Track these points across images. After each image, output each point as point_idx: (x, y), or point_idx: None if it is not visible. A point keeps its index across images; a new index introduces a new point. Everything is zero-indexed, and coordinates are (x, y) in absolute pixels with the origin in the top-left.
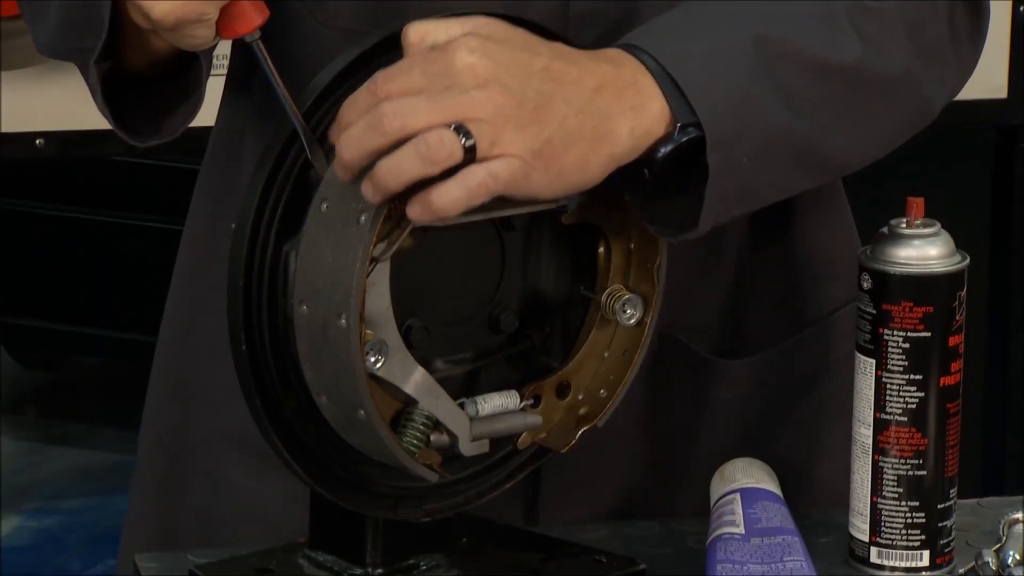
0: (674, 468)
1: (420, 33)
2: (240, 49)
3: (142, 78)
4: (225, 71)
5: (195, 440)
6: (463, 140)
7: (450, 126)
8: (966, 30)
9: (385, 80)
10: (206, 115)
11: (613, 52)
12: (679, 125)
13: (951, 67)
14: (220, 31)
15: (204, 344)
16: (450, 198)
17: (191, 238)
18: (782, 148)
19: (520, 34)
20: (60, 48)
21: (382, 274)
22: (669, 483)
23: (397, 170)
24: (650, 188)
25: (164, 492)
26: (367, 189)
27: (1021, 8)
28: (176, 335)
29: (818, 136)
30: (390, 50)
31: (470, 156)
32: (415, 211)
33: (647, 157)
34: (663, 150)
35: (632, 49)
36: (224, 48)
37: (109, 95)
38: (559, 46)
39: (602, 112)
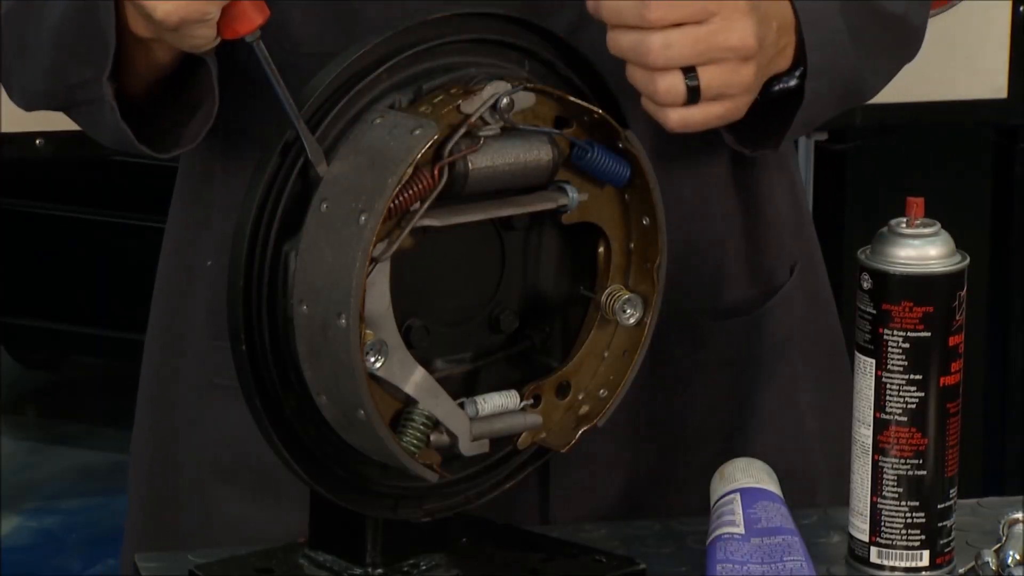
0: (676, 445)
1: None
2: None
3: (152, 95)
4: None
5: (183, 462)
6: (689, 84)
7: (688, 74)
8: None
9: (658, 8)
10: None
11: None
12: (801, 71)
13: None
14: (221, 31)
15: (185, 390)
16: (667, 120)
17: (163, 278)
18: (845, 82)
19: None
20: (51, 91)
21: (382, 274)
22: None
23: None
24: (751, 113)
25: (157, 513)
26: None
27: (1021, 8)
28: (154, 378)
29: (864, 74)
30: (388, 59)
31: (692, 98)
32: (649, 106)
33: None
34: (779, 85)
35: None
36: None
37: (124, 113)
38: None
39: (773, 56)
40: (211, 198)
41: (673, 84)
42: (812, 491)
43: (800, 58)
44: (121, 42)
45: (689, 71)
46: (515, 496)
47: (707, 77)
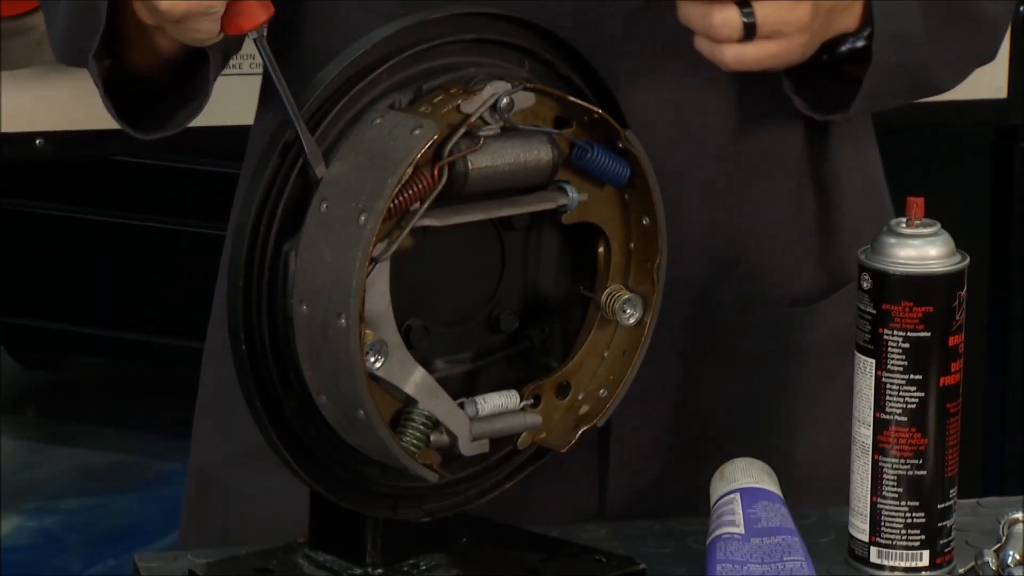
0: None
1: None
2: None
3: (149, 78)
4: (237, 70)
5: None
6: (745, 19)
7: (743, 7)
8: None
9: None
10: (207, 115)
11: None
12: (866, 32)
13: None
14: (224, 26)
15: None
16: (722, 58)
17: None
18: (911, 55)
19: None
20: (66, 52)
21: (382, 274)
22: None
23: (683, 18)
24: (818, 72)
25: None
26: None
27: (1021, 8)
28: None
29: (930, 59)
30: (388, 59)
31: (749, 34)
32: (702, 46)
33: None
34: (844, 47)
35: None
36: (248, 48)
37: (112, 90)
38: None
39: (835, 8)
40: None
41: (729, 18)
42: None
43: (868, 20)
44: (123, 26)
45: (744, 6)
46: (570, 489)
47: (763, 13)
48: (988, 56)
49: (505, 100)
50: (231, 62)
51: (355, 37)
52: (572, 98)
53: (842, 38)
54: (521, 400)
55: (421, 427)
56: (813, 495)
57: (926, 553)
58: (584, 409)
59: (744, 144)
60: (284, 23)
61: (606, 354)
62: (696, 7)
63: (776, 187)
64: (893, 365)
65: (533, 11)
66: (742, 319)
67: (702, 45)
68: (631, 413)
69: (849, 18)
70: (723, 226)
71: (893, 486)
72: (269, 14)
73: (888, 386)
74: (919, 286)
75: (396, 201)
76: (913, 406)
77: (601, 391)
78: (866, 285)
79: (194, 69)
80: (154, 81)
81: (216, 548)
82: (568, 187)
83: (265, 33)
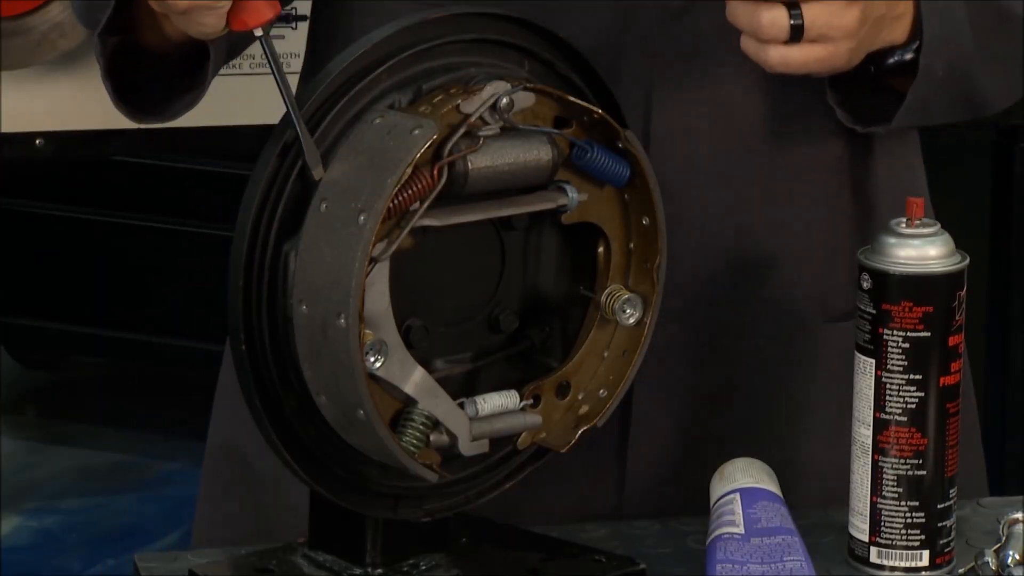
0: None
1: None
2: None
3: (156, 58)
4: (237, 70)
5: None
6: (793, 19)
7: (792, 10)
8: None
9: None
10: (206, 115)
11: None
12: (915, 45)
13: None
14: (230, 21)
15: None
16: (767, 59)
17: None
18: (960, 70)
19: None
20: (85, 18)
21: (381, 274)
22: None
23: (731, 16)
24: (863, 84)
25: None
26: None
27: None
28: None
29: (979, 70)
30: (388, 59)
31: (795, 35)
32: (748, 46)
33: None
34: (892, 60)
35: None
36: (252, 48)
37: (115, 70)
38: None
39: (885, 17)
40: None
41: (777, 18)
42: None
43: (917, 33)
44: (136, 5)
45: (793, 7)
46: (591, 485)
47: (811, 15)
48: (1018, 61)
49: (505, 100)
50: (233, 61)
51: None
52: (572, 98)
53: (890, 50)
54: (521, 400)
55: (421, 427)
56: (820, 501)
57: (926, 553)
58: (584, 409)
59: (782, 149)
60: (332, 16)
61: (606, 354)
62: (745, 6)
63: (813, 192)
64: (893, 365)
65: (641, 9)
66: (770, 327)
67: (748, 45)
68: (653, 415)
69: (897, 30)
70: (754, 230)
71: (893, 486)
72: (276, 12)
73: (888, 386)
74: (919, 286)
75: (396, 201)
76: (913, 406)
77: (601, 391)
78: (866, 285)
79: (198, 60)
80: (159, 64)
81: (216, 548)
82: (568, 187)
83: (272, 31)
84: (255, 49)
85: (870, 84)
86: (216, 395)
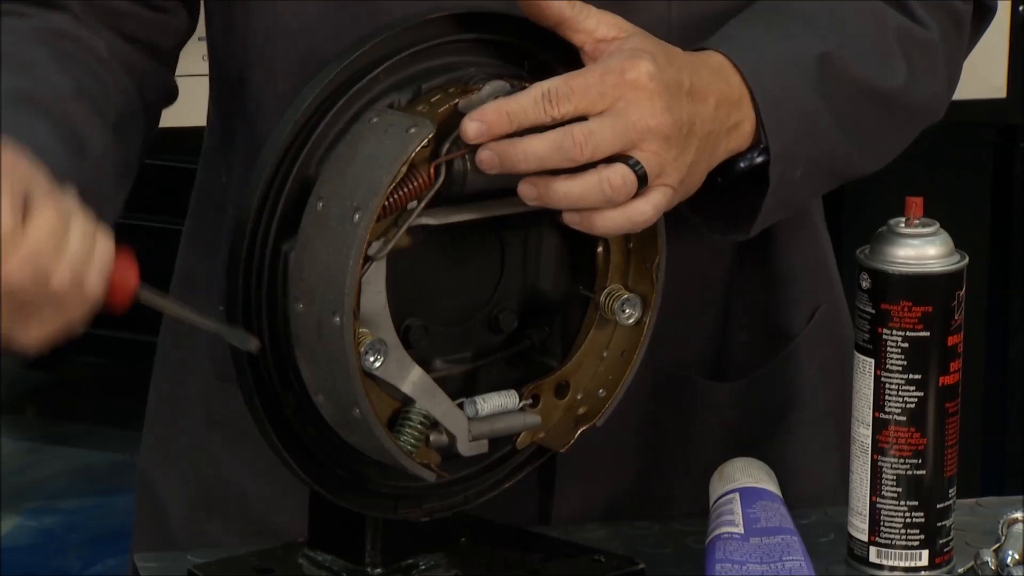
0: (672, 468)
1: (593, 25)
2: (218, 102)
3: None
4: (206, 72)
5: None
6: (637, 171)
7: (628, 160)
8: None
9: (562, 99)
10: (205, 116)
11: (718, 62)
12: (762, 146)
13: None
14: (107, 303)
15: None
16: (613, 225)
17: (178, 282)
18: (826, 164)
19: (659, 44)
20: None
21: (378, 273)
22: (668, 482)
23: (577, 199)
24: (715, 195)
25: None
26: (530, 193)
27: (1021, 8)
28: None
29: (852, 152)
30: (386, 58)
31: (641, 186)
32: (573, 220)
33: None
34: (742, 164)
35: (728, 57)
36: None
37: None
38: (679, 54)
39: (715, 132)
40: (224, 207)
41: (623, 173)
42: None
43: (761, 133)
44: None
45: (625, 159)
46: (515, 498)
47: (642, 159)
48: (918, 130)
49: None
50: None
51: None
52: None
53: (737, 158)
54: (520, 400)
55: (419, 427)
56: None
57: (925, 553)
58: (583, 409)
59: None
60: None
61: (605, 354)
62: (588, 179)
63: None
64: (892, 365)
65: (635, 14)
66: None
67: (598, 221)
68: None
69: (738, 138)
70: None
71: (892, 486)
72: (136, 272)
73: (887, 386)
74: (918, 286)
75: (391, 199)
76: (912, 406)
77: (600, 391)
78: (865, 285)
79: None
80: None
81: (216, 548)
82: None
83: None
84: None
85: (723, 195)
86: (152, 410)
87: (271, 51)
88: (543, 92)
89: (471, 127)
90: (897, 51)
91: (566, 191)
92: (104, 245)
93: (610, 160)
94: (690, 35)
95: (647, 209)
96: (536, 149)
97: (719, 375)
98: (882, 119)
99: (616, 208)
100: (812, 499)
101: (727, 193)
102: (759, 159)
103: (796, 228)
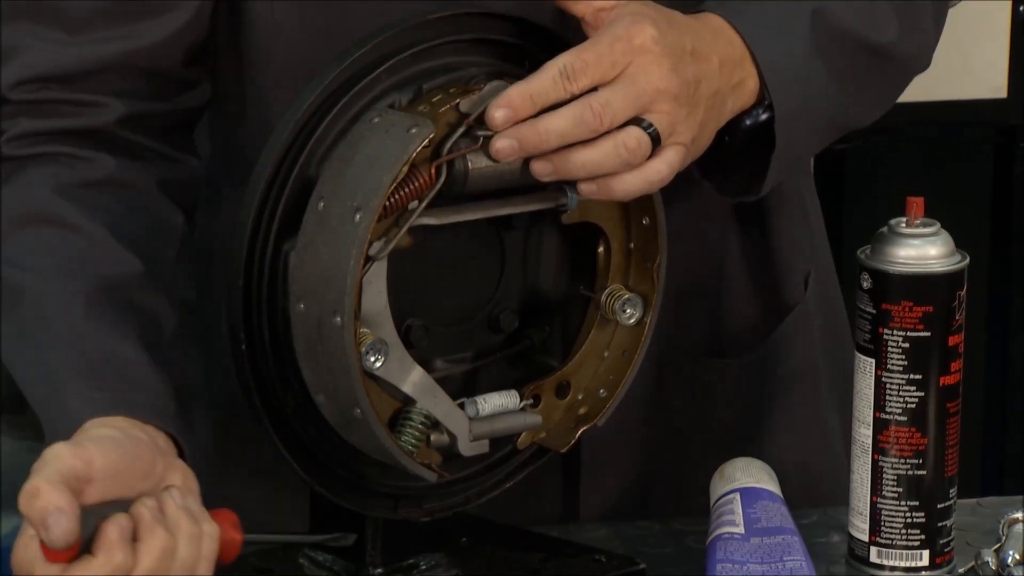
0: (680, 457)
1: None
2: (217, 156)
3: None
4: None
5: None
6: (650, 132)
7: (641, 123)
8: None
9: (579, 74)
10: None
11: (718, 24)
12: (767, 103)
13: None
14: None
15: None
16: (631, 187)
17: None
18: (826, 118)
19: (657, 8)
20: None
21: (379, 273)
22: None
23: (594, 167)
24: (723, 156)
25: None
26: (545, 169)
27: (1021, 8)
28: None
29: (848, 106)
30: (387, 58)
31: (654, 146)
32: (590, 189)
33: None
34: (747, 122)
35: (727, 20)
36: None
37: None
38: (679, 17)
39: (721, 91)
40: (209, 275)
41: (637, 135)
42: (838, 489)
43: (765, 94)
44: None
45: (638, 122)
46: (537, 498)
47: (654, 120)
48: (905, 85)
49: None
50: None
51: None
52: None
53: (742, 115)
54: (521, 400)
55: (420, 426)
56: (801, 503)
57: (926, 553)
58: (584, 409)
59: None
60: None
61: (606, 354)
62: (602, 146)
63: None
64: (893, 365)
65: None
66: (707, 344)
67: (614, 186)
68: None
69: (743, 96)
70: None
71: (893, 486)
72: (240, 539)
73: (888, 386)
74: (919, 286)
75: (392, 199)
76: (913, 406)
77: (601, 391)
78: (866, 285)
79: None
80: None
81: None
82: (568, 187)
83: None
84: None
85: (730, 156)
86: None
87: (271, 55)
88: (560, 69)
89: (499, 114)
90: (887, 7)
91: (584, 160)
92: (210, 539)
93: (621, 126)
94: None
95: (662, 168)
96: (557, 126)
97: (724, 352)
98: (876, 72)
99: (632, 171)
100: (826, 470)
101: (734, 154)
102: (763, 116)
103: (787, 197)
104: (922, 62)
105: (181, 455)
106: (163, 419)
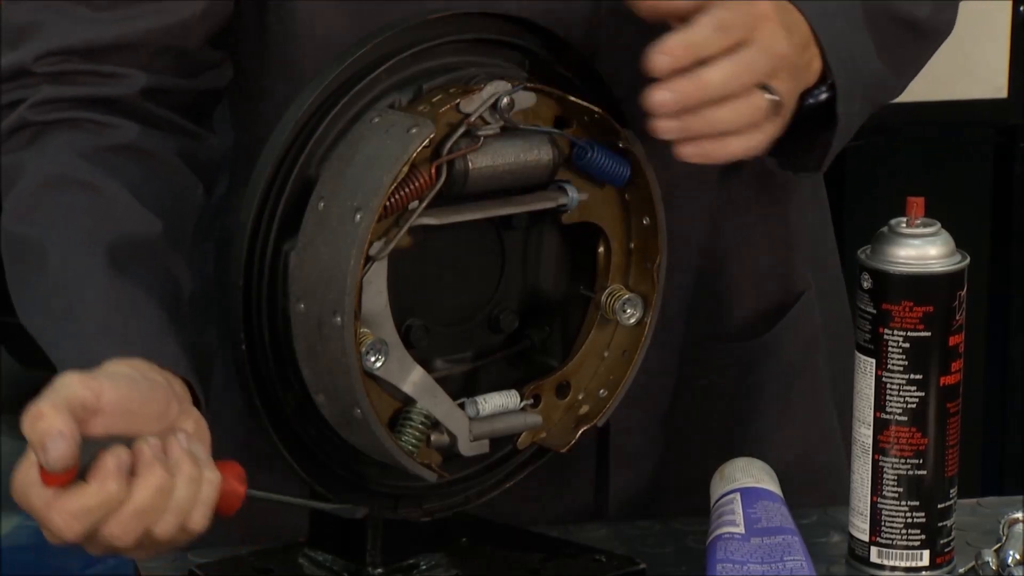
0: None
1: None
2: (235, 162)
3: None
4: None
5: None
6: (775, 98)
7: (768, 88)
8: None
9: (732, 29)
10: None
11: (785, 4)
12: (830, 82)
13: None
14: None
15: None
16: (734, 151)
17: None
18: (872, 94)
19: None
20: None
21: (379, 273)
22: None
23: (725, 126)
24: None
25: None
26: (672, 126)
27: (1021, 8)
28: None
29: (890, 80)
30: (387, 58)
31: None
32: (688, 151)
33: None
34: (810, 100)
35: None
36: None
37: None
38: None
39: (799, 67)
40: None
41: (766, 101)
42: (840, 487)
43: (827, 71)
44: None
45: (762, 88)
46: (569, 491)
47: (776, 87)
48: (929, 58)
49: (505, 100)
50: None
51: None
52: (572, 98)
53: (805, 93)
54: (521, 400)
55: (420, 426)
56: (808, 490)
57: (926, 553)
58: (584, 409)
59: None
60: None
61: (606, 354)
62: (734, 105)
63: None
64: (893, 365)
65: (566, 11)
66: (722, 329)
67: (735, 146)
68: (630, 413)
69: (810, 74)
70: (708, 240)
71: (893, 486)
72: (243, 485)
73: (888, 386)
74: (919, 286)
75: (392, 199)
76: (913, 406)
77: (601, 391)
78: (866, 285)
79: None
80: None
81: (216, 548)
82: (568, 187)
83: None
84: None
85: (793, 131)
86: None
87: (295, 57)
88: (718, 23)
89: (662, 60)
90: None
91: (718, 119)
92: (209, 485)
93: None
94: (623, 28)
95: (763, 138)
96: (714, 79)
97: (735, 336)
98: (913, 46)
99: (738, 136)
100: (827, 468)
101: (792, 131)
102: (824, 96)
103: (806, 186)
104: (947, 33)
105: (197, 406)
106: (182, 368)
